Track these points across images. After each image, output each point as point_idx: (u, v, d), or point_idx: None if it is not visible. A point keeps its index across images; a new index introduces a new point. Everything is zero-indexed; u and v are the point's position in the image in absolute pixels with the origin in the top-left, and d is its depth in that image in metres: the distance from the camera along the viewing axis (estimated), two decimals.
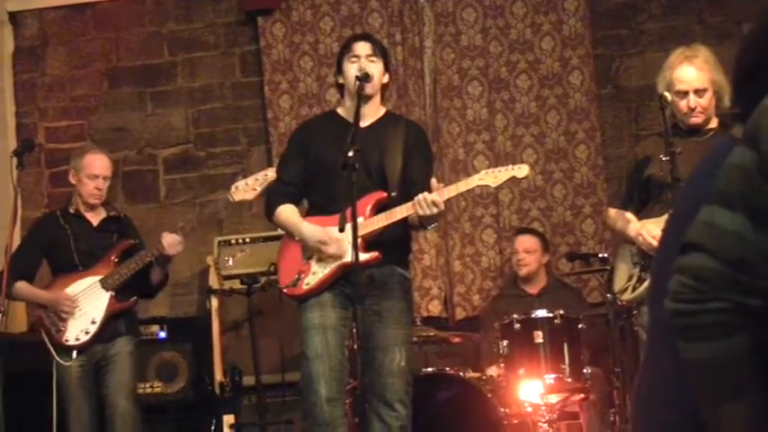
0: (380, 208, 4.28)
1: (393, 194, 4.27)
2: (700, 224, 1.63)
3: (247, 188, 4.89)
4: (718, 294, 1.57)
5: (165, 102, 6.98)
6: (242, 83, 6.92)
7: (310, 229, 4.30)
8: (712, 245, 1.59)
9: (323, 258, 4.27)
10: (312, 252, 4.31)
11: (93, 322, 4.99)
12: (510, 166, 4.31)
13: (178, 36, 6.99)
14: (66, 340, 4.96)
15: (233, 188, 4.92)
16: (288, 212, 4.41)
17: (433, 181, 4.15)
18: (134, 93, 7.00)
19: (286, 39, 6.75)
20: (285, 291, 4.38)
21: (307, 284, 4.28)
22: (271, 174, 4.85)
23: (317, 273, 4.27)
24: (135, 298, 5.12)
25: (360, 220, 4.17)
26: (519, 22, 6.60)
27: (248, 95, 6.90)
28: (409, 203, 4.15)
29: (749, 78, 1.90)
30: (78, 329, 4.98)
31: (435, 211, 4.06)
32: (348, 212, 3.98)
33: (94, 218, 5.21)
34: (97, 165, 5.14)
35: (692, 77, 4.32)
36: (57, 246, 5.13)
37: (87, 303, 5.02)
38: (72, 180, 5.17)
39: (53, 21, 7.10)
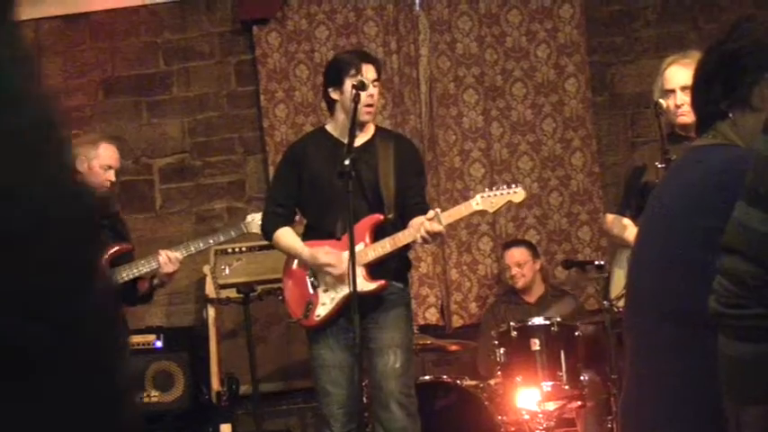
0: (377, 230, 4.30)
1: (390, 216, 4.29)
2: (735, 225, 1.65)
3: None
4: (760, 300, 1.59)
5: (160, 111, 6.98)
6: (238, 92, 6.92)
7: (314, 253, 4.30)
8: (748, 248, 1.61)
9: (329, 287, 4.30)
10: (318, 278, 4.32)
11: None
12: (505, 190, 4.30)
13: (173, 45, 6.99)
14: None
15: (249, 218, 4.97)
16: (287, 237, 4.43)
17: (431, 213, 4.17)
18: (129, 102, 7.00)
19: (281, 48, 6.76)
20: (299, 322, 4.43)
21: (318, 316, 4.33)
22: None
23: (327, 304, 4.30)
24: (122, 306, 4.88)
25: (360, 246, 4.20)
26: (514, 30, 6.61)
27: (244, 105, 6.90)
28: (412, 229, 4.19)
29: (708, 82, 1.93)
30: None
31: (438, 239, 4.37)
32: (342, 237, 4.04)
33: None
34: (113, 155, 4.98)
35: (679, 75, 4.32)
36: None
37: None
38: (80, 168, 4.87)
39: (49, 31, 7.09)
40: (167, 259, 4.83)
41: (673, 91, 4.31)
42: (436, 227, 4.10)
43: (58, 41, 7.08)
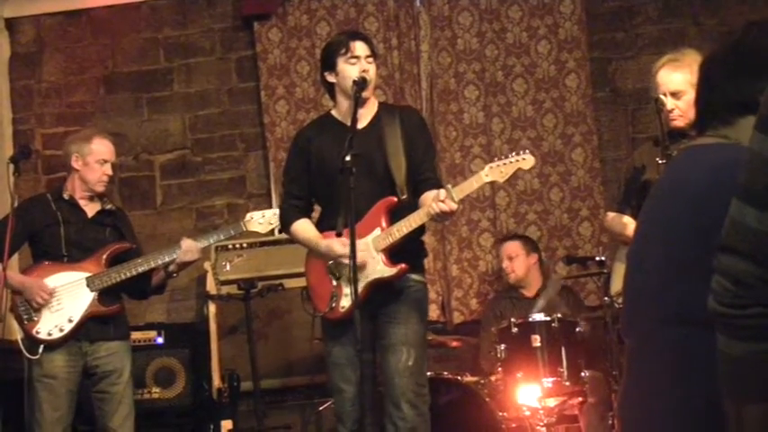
0: (392, 212, 4.26)
1: (404, 198, 4.24)
2: (731, 224, 1.64)
3: (263, 222, 4.96)
4: (759, 299, 1.59)
5: (161, 107, 6.98)
6: (238, 88, 6.92)
7: (330, 245, 4.22)
8: (745, 247, 1.61)
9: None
10: (339, 270, 4.28)
11: (71, 320, 4.74)
12: (513, 157, 4.23)
13: (174, 42, 6.99)
14: (38, 332, 4.71)
15: (248, 216, 5.01)
16: (304, 229, 4.37)
17: (443, 191, 4.08)
18: (130, 98, 6.99)
19: (282, 44, 6.76)
20: (324, 315, 4.34)
21: (343, 307, 4.26)
22: None
23: (350, 294, 4.14)
24: (119, 305, 4.91)
25: (377, 231, 4.19)
26: (515, 25, 6.61)
27: (245, 101, 6.90)
28: (425, 208, 4.14)
29: (715, 84, 1.92)
30: (52, 324, 4.73)
31: (451, 216, 4.27)
32: (356, 225, 3.95)
33: (90, 208, 4.98)
34: (108, 150, 4.98)
35: (668, 80, 4.31)
36: (44, 231, 4.86)
37: (68, 299, 4.77)
38: (75, 165, 4.92)
39: (49, 27, 7.09)
40: (189, 247, 4.86)
41: (664, 95, 4.30)
42: (448, 205, 4.03)
43: (58, 38, 7.08)
